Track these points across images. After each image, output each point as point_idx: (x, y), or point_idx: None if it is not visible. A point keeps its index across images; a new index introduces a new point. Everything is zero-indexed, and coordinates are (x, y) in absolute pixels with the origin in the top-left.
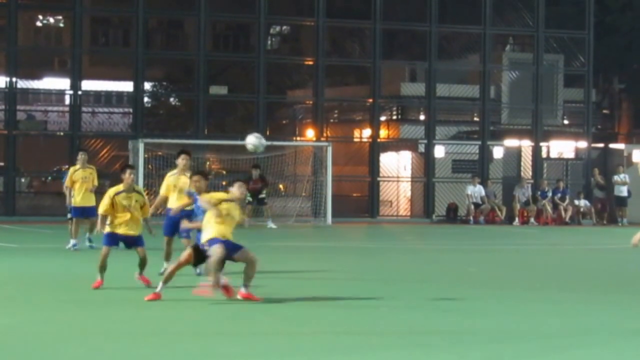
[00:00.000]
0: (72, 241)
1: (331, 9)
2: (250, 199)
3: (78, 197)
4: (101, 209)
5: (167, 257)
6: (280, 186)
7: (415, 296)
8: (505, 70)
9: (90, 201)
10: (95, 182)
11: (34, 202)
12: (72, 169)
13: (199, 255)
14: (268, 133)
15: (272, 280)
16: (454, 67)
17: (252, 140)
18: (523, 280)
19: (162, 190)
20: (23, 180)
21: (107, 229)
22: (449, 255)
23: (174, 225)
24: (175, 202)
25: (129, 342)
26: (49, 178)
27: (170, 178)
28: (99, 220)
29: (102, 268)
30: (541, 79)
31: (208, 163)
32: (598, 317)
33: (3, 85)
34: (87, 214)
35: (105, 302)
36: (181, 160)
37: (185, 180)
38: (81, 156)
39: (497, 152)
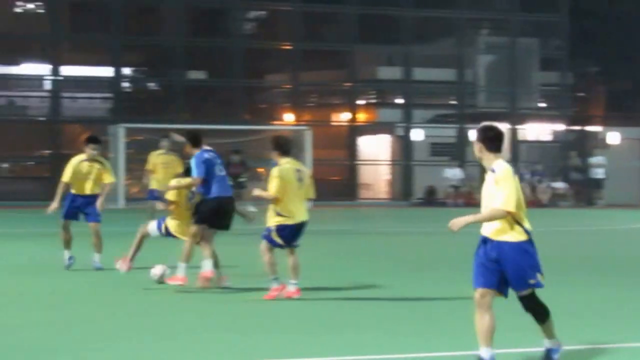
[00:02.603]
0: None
1: None
2: (230, 182)
3: None
4: None
5: (68, 244)
6: (260, 170)
7: (392, 280)
8: (481, 54)
9: None
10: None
11: (12, 187)
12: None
13: None
14: (247, 117)
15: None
16: (430, 51)
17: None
18: None
19: (67, 177)
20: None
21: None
22: (426, 238)
23: (76, 210)
24: (89, 189)
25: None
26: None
27: (80, 165)
28: None
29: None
30: (517, 62)
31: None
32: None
33: None
34: None
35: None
36: (90, 150)
37: (98, 167)
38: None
39: (475, 135)
